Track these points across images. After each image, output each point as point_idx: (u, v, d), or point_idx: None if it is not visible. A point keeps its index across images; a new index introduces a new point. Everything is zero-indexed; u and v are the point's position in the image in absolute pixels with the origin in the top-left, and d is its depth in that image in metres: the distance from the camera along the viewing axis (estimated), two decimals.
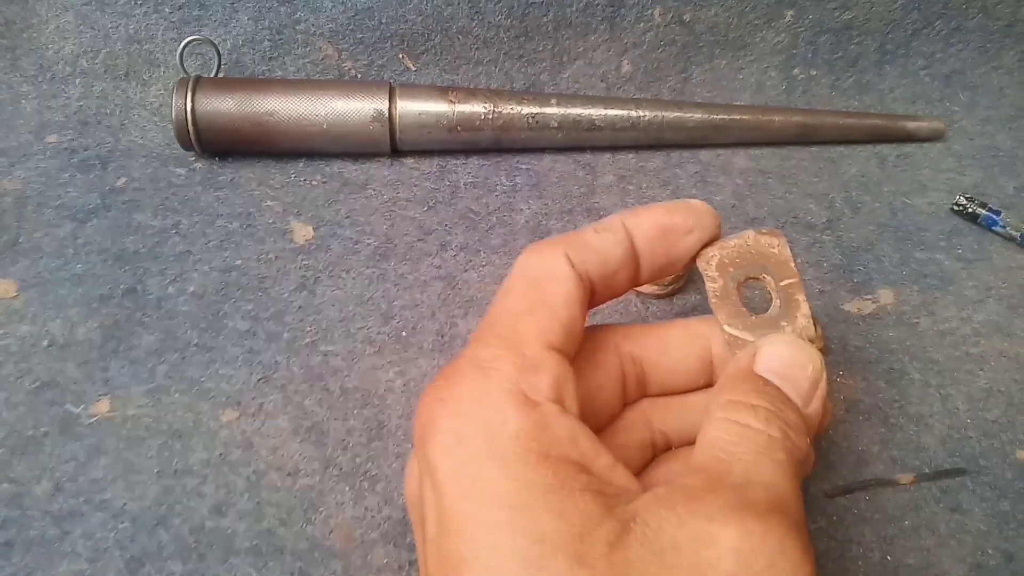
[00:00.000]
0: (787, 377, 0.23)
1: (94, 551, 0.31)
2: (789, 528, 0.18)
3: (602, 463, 0.20)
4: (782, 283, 0.26)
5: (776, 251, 0.26)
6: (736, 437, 0.21)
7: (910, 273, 0.43)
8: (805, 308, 0.26)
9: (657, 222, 0.25)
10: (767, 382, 0.23)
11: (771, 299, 0.26)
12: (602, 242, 0.24)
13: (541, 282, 0.22)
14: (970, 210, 0.45)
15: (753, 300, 0.27)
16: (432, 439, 0.19)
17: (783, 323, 0.25)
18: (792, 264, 0.26)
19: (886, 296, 0.41)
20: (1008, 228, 0.44)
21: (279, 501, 0.32)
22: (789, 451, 0.21)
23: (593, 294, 0.24)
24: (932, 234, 0.45)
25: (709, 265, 0.26)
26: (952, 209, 0.46)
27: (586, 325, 0.24)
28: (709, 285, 0.26)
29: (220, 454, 0.33)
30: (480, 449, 0.19)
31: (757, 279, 0.26)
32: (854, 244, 0.44)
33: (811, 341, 0.25)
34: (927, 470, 0.34)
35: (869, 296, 0.41)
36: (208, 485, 0.32)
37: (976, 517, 0.33)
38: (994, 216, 0.44)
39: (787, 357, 0.24)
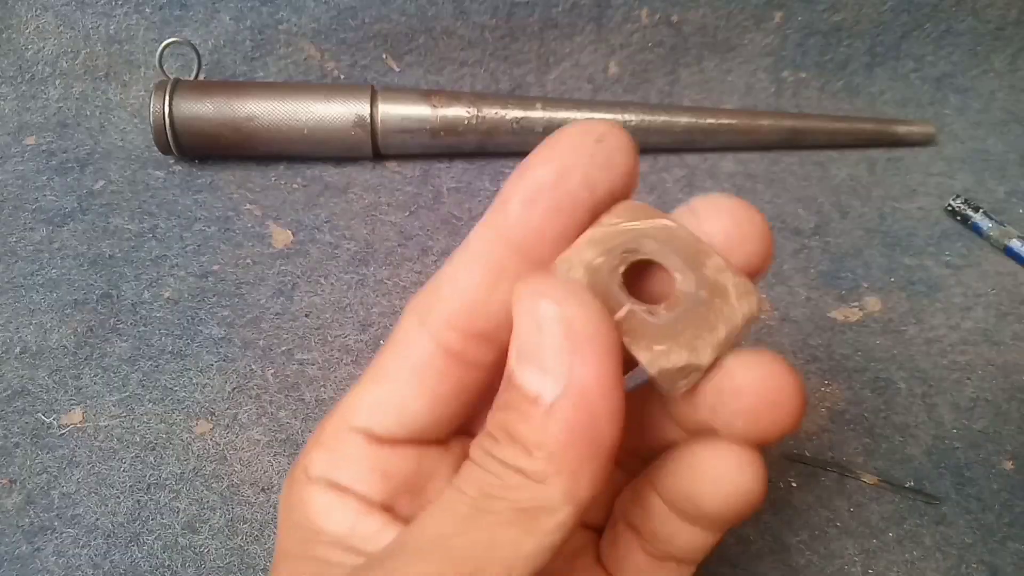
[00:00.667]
0: (528, 355, 0.16)
1: (66, 568, 0.30)
2: None
3: (364, 530, 0.19)
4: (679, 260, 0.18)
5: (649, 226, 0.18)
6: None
7: (898, 279, 0.42)
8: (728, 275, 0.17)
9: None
10: (508, 380, 0.17)
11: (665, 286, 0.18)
12: (458, 277, 0.18)
13: (386, 348, 0.20)
14: (964, 213, 0.45)
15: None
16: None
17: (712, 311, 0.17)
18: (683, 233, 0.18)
19: (873, 303, 0.41)
20: (993, 236, 0.44)
21: (252, 517, 0.32)
22: (485, 492, 0.16)
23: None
24: (921, 239, 0.44)
25: (573, 263, 0.18)
26: (946, 210, 0.46)
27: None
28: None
29: (193, 468, 0.33)
30: (280, 517, 0.21)
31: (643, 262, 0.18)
32: (842, 249, 0.44)
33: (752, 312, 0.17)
34: (911, 483, 0.34)
35: (856, 303, 0.41)
36: (181, 500, 0.32)
37: (961, 529, 0.32)
38: (979, 224, 0.44)
39: (518, 326, 0.17)
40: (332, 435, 0.20)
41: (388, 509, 0.19)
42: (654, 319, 0.17)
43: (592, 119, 0.18)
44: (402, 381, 0.19)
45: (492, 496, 0.16)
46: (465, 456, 0.18)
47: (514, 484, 0.16)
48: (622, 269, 0.18)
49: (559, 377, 0.16)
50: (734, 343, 0.17)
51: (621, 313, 0.17)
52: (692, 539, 0.20)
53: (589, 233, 0.18)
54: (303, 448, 0.21)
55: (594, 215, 0.18)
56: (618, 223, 0.18)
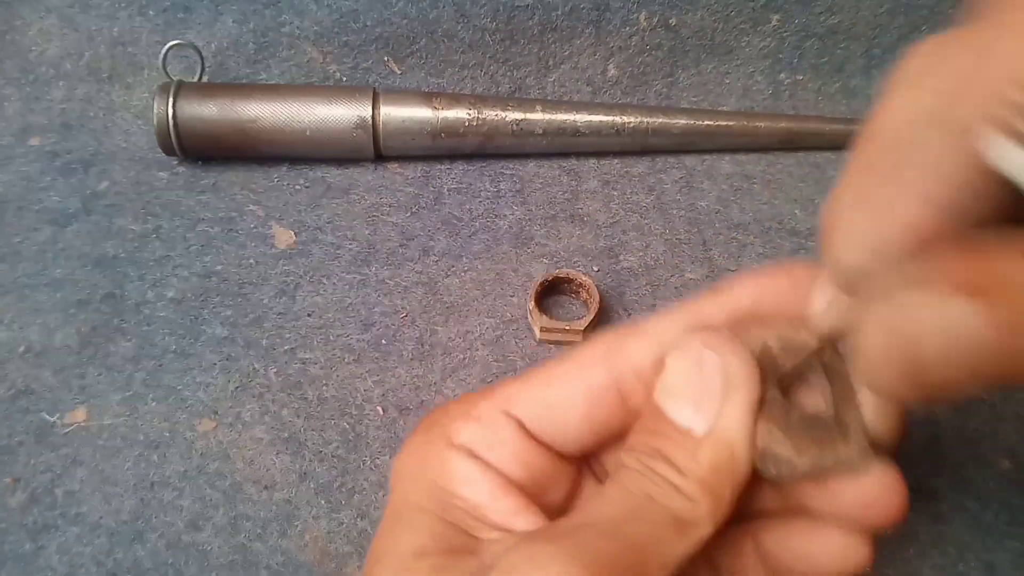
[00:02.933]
0: (682, 393, 0.20)
1: (70, 567, 0.30)
2: (573, 558, 0.17)
3: (502, 506, 0.21)
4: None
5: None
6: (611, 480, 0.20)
7: None
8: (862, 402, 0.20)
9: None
10: (655, 412, 0.20)
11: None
12: (660, 330, 0.21)
13: (564, 361, 0.22)
14: None
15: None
16: (404, 444, 0.23)
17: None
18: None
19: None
20: None
21: (255, 515, 0.32)
22: (647, 494, 0.19)
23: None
24: None
25: (760, 338, 0.21)
26: None
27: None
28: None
29: (197, 466, 0.33)
30: (407, 466, 0.22)
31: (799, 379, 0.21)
32: None
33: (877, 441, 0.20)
34: (908, 481, 0.34)
35: None
36: (185, 498, 0.32)
37: (958, 527, 0.32)
38: None
39: (673, 368, 0.20)
40: (488, 413, 0.22)
41: (523, 494, 0.21)
42: (786, 415, 0.20)
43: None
44: (572, 395, 0.22)
45: (653, 500, 0.19)
46: (578, 481, 0.23)
47: (671, 495, 0.19)
48: (786, 370, 0.21)
49: (709, 416, 0.19)
50: (830, 473, 0.20)
51: (769, 395, 0.20)
52: None
53: (781, 330, 0.21)
54: (440, 411, 0.23)
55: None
56: (807, 336, 0.21)
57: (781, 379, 0.21)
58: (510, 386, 0.22)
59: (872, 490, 0.20)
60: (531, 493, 0.22)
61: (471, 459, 0.21)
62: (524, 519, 0.21)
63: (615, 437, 0.22)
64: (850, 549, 0.21)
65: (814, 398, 0.21)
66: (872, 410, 0.20)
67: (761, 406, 0.20)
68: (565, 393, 0.22)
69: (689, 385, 0.20)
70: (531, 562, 0.17)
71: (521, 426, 0.22)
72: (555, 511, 0.23)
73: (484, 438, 0.22)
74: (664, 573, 0.18)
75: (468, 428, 0.22)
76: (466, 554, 0.20)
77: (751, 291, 0.22)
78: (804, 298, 0.21)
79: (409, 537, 0.20)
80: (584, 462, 0.24)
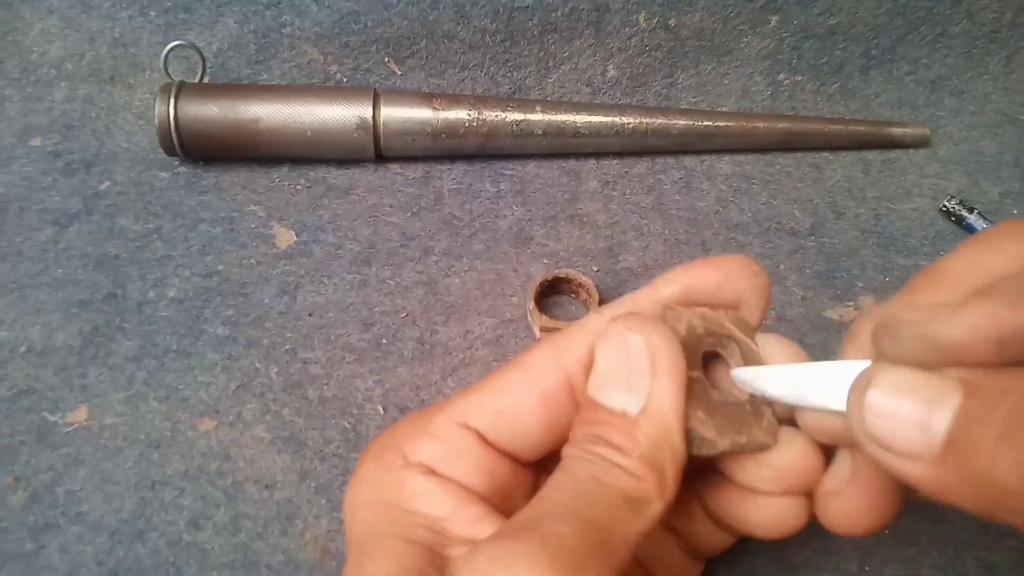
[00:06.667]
0: (613, 378, 0.21)
1: (71, 566, 0.31)
2: (539, 551, 0.17)
3: (465, 516, 0.20)
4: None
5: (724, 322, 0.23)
6: (557, 474, 0.20)
7: (893, 279, 0.42)
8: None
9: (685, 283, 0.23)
10: (590, 404, 0.21)
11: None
12: (602, 325, 0.22)
13: (512, 367, 0.22)
14: (958, 213, 0.45)
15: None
16: (356, 472, 0.23)
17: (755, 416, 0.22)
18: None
19: (868, 303, 0.41)
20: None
21: (256, 514, 0.32)
22: (595, 477, 0.19)
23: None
24: (916, 240, 0.45)
25: (681, 318, 0.22)
26: (940, 211, 0.46)
27: None
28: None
29: (198, 465, 0.33)
30: (361, 495, 0.22)
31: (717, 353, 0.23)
32: (837, 250, 0.44)
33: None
34: None
35: (851, 303, 0.41)
36: (186, 497, 0.32)
37: (957, 526, 0.33)
38: (973, 225, 0.45)
39: (601, 358, 0.21)
40: (443, 428, 0.22)
41: (487, 503, 0.21)
42: (707, 394, 0.21)
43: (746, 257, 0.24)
44: (525, 400, 0.22)
45: (602, 482, 0.19)
46: (538, 485, 0.22)
47: (617, 475, 0.19)
48: (706, 349, 0.22)
49: (641, 395, 0.20)
50: (746, 453, 0.22)
51: (693, 373, 0.21)
52: (721, 540, 0.25)
53: (705, 310, 0.23)
54: (390, 432, 0.22)
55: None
56: (724, 320, 0.23)
57: (704, 360, 0.22)
58: (464, 398, 0.22)
59: (783, 465, 0.22)
60: (495, 504, 0.21)
61: (429, 475, 0.21)
62: (489, 527, 0.20)
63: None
64: (787, 515, 0.22)
65: (728, 378, 0.23)
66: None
67: (687, 385, 0.21)
68: (520, 399, 0.22)
69: (618, 370, 0.20)
70: (498, 563, 0.17)
71: (480, 437, 0.22)
72: None
73: (442, 453, 0.21)
74: (627, 548, 0.18)
75: (425, 445, 0.22)
76: (436, 574, 0.20)
77: (684, 282, 0.23)
78: (732, 288, 0.23)
79: (377, 566, 0.20)
80: (542, 468, 0.24)
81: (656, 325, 0.21)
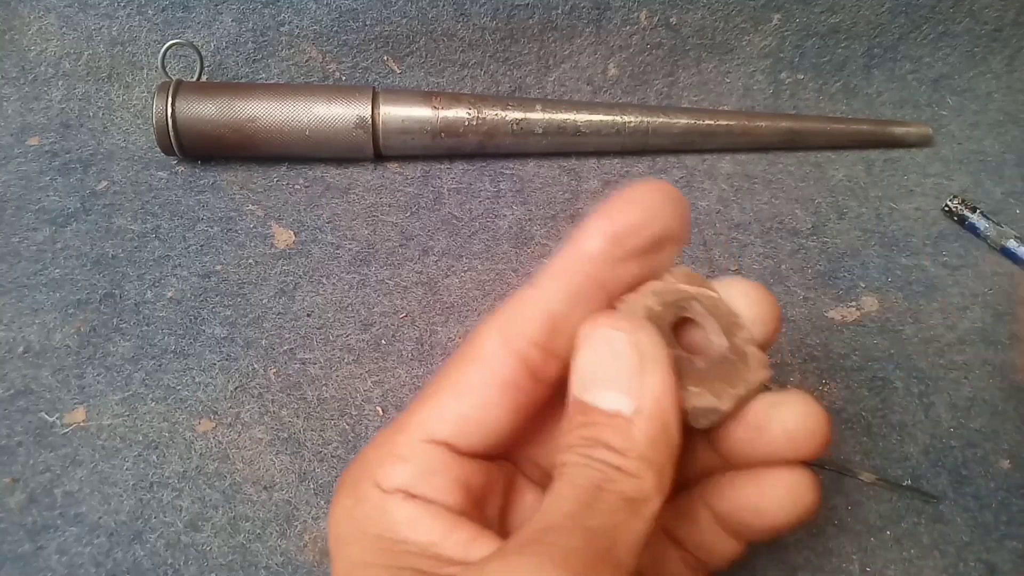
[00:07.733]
0: (602, 380, 0.20)
1: (69, 567, 0.30)
2: (549, 566, 0.17)
3: (457, 538, 0.20)
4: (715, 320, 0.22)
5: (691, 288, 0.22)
6: (556, 485, 0.20)
7: (895, 279, 0.42)
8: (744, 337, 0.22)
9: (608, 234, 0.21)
10: (580, 407, 0.20)
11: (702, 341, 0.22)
12: (543, 298, 0.21)
13: (464, 363, 0.21)
14: (961, 213, 0.45)
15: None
16: (332, 508, 0.22)
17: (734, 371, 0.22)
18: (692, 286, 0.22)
19: (870, 303, 0.41)
20: (990, 236, 0.44)
21: (254, 515, 0.32)
22: (595, 484, 0.19)
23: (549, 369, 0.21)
24: (918, 240, 0.45)
25: (635, 306, 0.22)
26: (943, 210, 0.46)
27: None
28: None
29: (196, 466, 0.33)
30: (342, 531, 0.21)
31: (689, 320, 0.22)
32: (839, 250, 0.44)
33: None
34: (908, 481, 0.34)
35: (853, 303, 0.41)
36: (184, 499, 0.32)
37: (958, 528, 0.32)
38: (976, 225, 0.44)
39: (585, 360, 0.20)
40: (409, 448, 0.21)
41: (472, 519, 0.21)
42: (692, 365, 0.21)
43: (658, 180, 0.22)
44: (487, 396, 0.21)
45: (602, 487, 0.19)
46: (511, 473, 0.22)
47: (617, 477, 0.19)
48: (672, 321, 0.22)
49: (634, 394, 0.19)
50: (749, 400, 0.22)
51: (672, 352, 0.21)
52: (729, 549, 0.25)
53: (652, 284, 0.22)
54: (359, 462, 0.22)
55: (657, 263, 0.22)
56: (675, 283, 0.22)
57: (672, 331, 0.22)
58: (424, 408, 0.21)
59: (793, 421, 0.21)
60: (473, 513, 0.21)
61: (409, 500, 0.20)
62: (481, 546, 0.20)
63: (538, 420, 0.22)
64: (796, 491, 0.22)
65: (701, 335, 0.22)
66: (751, 314, 0.22)
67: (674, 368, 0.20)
68: (482, 398, 0.21)
69: (606, 370, 0.20)
70: None
71: (448, 448, 0.21)
72: (496, 523, 0.22)
73: (415, 475, 0.21)
74: (632, 554, 0.18)
75: (396, 471, 0.21)
76: None
77: (606, 230, 0.21)
78: (656, 223, 0.21)
79: None
80: (511, 462, 0.23)
81: (638, 320, 0.20)
